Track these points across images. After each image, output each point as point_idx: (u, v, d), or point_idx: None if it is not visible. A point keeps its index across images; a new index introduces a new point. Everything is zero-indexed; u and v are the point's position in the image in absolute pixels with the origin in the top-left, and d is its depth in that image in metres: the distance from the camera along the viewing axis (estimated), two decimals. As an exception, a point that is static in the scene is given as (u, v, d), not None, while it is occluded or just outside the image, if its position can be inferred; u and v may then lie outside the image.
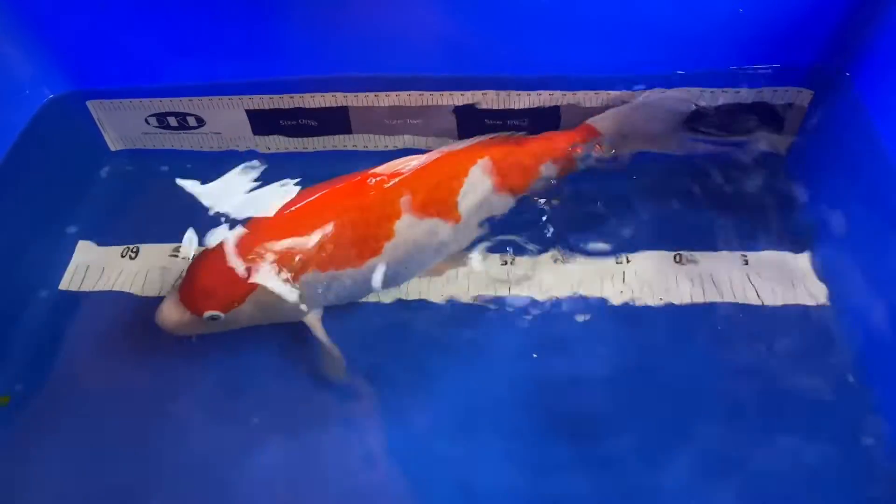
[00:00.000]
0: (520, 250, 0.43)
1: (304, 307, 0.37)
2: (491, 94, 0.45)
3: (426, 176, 0.39)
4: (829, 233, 0.41)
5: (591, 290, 0.40)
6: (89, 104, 0.48)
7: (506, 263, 0.42)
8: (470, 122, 0.47)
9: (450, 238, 0.40)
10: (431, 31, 0.42)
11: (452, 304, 0.41)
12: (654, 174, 0.46)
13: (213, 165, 0.48)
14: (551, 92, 0.44)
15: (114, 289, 0.43)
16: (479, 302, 0.40)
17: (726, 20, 0.41)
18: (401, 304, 0.41)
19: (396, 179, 0.38)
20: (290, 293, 0.36)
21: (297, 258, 0.36)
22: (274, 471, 0.35)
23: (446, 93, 0.45)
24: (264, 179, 0.46)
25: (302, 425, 0.37)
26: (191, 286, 0.36)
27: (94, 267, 0.44)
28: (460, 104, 0.46)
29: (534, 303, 0.40)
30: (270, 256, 0.36)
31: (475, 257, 0.42)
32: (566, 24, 0.41)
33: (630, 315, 0.39)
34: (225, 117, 0.48)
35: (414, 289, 0.41)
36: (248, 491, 0.35)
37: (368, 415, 0.37)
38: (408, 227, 0.37)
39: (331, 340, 0.37)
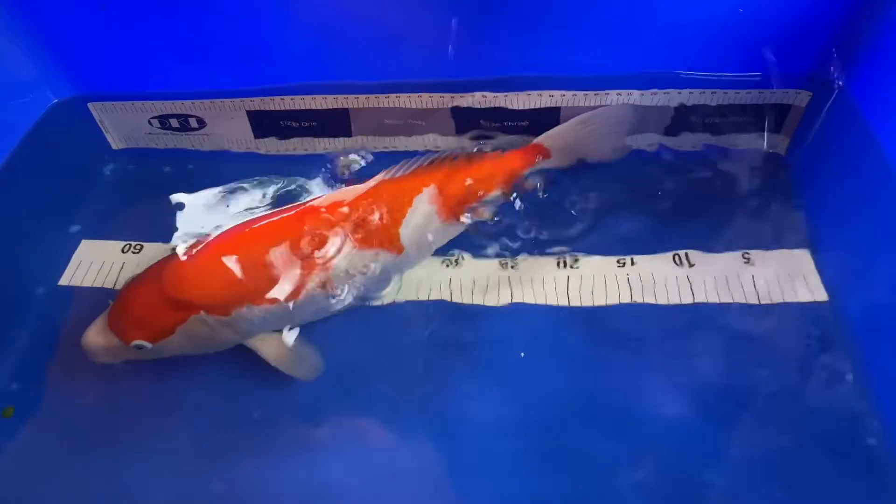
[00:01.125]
0: (520, 252, 0.43)
1: (237, 339, 0.37)
2: (490, 95, 0.45)
3: (367, 206, 0.38)
4: (828, 232, 0.41)
5: (593, 292, 0.40)
6: (92, 107, 0.48)
7: (505, 266, 0.42)
8: (469, 124, 0.47)
9: (392, 267, 0.39)
10: (431, 33, 0.42)
11: (449, 306, 0.40)
12: (653, 176, 0.46)
13: (214, 166, 0.49)
14: (551, 92, 0.44)
15: (116, 287, 0.43)
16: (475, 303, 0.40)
17: (725, 23, 0.41)
18: (394, 305, 0.41)
19: (333, 210, 0.38)
20: (222, 326, 0.35)
21: (231, 291, 0.35)
22: (278, 471, 0.35)
23: (446, 95, 0.45)
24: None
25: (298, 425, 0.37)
26: (120, 313, 0.35)
27: (95, 264, 0.44)
28: (460, 106, 0.46)
29: (534, 305, 0.40)
30: (204, 288, 0.35)
31: (471, 259, 0.42)
32: (565, 25, 0.41)
33: (631, 315, 0.39)
34: (226, 119, 0.48)
35: (420, 291, 0.41)
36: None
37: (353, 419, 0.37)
38: (347, 259, 0.37)
39: (289, 350, 0.37)
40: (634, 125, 0.45)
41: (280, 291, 0.36)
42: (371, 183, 0.40)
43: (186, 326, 0.35)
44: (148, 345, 0.35)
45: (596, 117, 0.44)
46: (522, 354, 0.38)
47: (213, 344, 0.37)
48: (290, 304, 0.36)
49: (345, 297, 0.38)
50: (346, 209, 0.38)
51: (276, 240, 0.36)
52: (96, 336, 0.35)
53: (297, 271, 0.36)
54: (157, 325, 0.35)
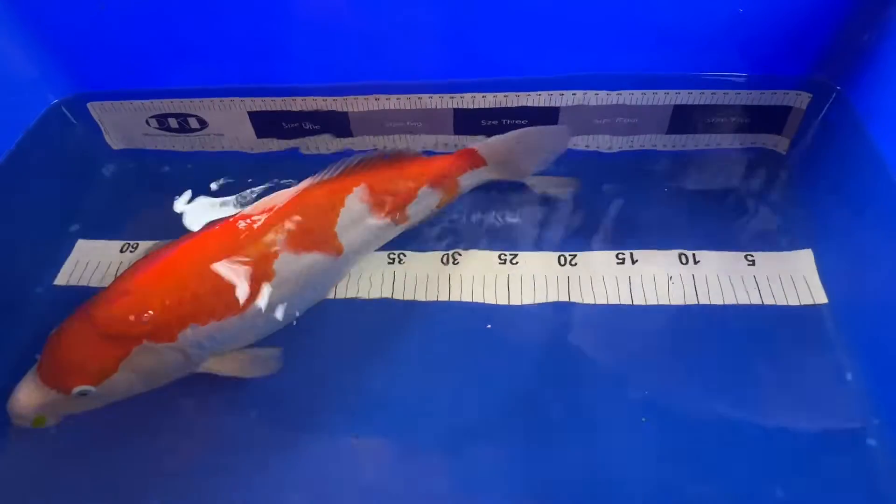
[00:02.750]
0: (520, 248, 0.43)
1: (189, 366, 0.35)
2: (489, 96, 0.45)
3: (300, 210, 0.37)
4: (828, 233, 0.41)
5: (594, 290, 0.40)
6: (91, 107, 0.48)
7: (505, 262, 0.42)
8: (468, 124, 0.47)
9: (335, 269, 0.39)
10: (431, 34, 0.43)
11: (449, 304, 0.40)
12: (654, 176, 0.46)
13: (214, 166, 0.49)
14: (550, 93, 0.45)
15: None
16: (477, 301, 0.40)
17: (725, 23, 0.41)
18: (389, 302, 0.41)
19: (266, 217, 0.36)
20: (169, 353, 0.34)
21: (171, 313, 0.33)
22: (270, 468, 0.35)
23: (446, 95, 0.45)
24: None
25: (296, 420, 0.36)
26: (53, 361, 0.33)
27: (92, 264, 0.44)
28: (459, 107, 0.46)
29: (534, 303, 0.40)
30: (142, 314, 0.33)
31: (473, 254, 0.42)
32: (565, 26, 0.42)
33: (632, 315, 0.39)
34: (227, 119, 0.48)
35: (417, 288, 0.41)
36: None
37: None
38: (287, 265, 0.36)
39: (243, 360, 0.36)
40: (564, 150, 0.44)
41: (224, 306, 0.34)
42: (301, 186, 0.39)
43: (130, 360, 0.33)
44: (92, 388, 0.32)
45: (534, 135, 0.43)
46: (534, 353, 0.38)
47: (163, 376, 0.35)
48: (238, 318, 0.35)
49: (292, 304, 0.37)
50: (279, 215, 0.37)
51: (212, 253, 0.35)
52: (29, 395, 0.32)
53: (239, 283, 0.35)
54: (97, 364, 0.32)
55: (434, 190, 0.41)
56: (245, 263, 0.35)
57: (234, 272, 0.35)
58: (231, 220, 0.37)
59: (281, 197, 0.38)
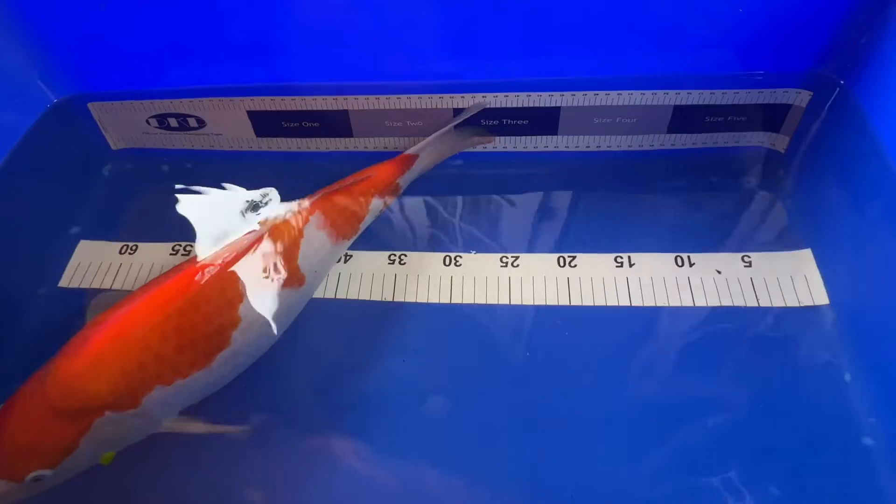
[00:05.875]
0: (521, 251, 0.43)
1: (153, 427, 0.33)
2: (490, 96, 0.45)
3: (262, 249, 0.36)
4: (828, 232, 0.41)
5: (591, 292, 0.40)
6: (91, 107, 0.48)
7: (507, 265, 0.42)
8: (469, 124, 0.47)
9: (298, 300, 0.39)
10: (432, 34, 0.42)
11: (451, 306, 0.41)
12: (652, 176, 0.46)
13: (213, 166, 0.49)
14: (551, 93, 0.45)
15: (113, 287, 0.43)
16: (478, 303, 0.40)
17: (725, 24, 0.41)
18: (390, 303, 0.41)
19: (229, 262, 0.35)
20: (133, 419, 0.32)
21: (134, 378, 0.31)
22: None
23: (447, 95, 0.45)
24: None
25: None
26: (1, 448, 0.29)
27: (94, 265, 0.44)
28: (460, 107, 0.46)
29: (533, 304, 0.40)
30: (102, 384, 0.30)
31: (475, 257, 0.42)
32: (565, 26, 0.41)
33: (630, 317, 0.39)
34: (226, 119, 0.48)
35: (419, 290, 0.41)
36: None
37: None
38: (252, 308, 0.35)
39: (209, 421, 0.35)
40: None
41: (189, 363, 0.32)
42: (260, 231, 0.37)
43: (92, 434, 0.30)
44: (48, 472, 0.29)
45: (456, 130, 0.46)
46: (528, 354, 0.38)
47: (128, 440, 0.33)
48: (205, 372, 0.33)
49: (259, 345, 0.36)
50: (241, 258, 0.35)
51: (173, 308, 0.32)
52: None
53: (203, 337, 0.33)
54: (54, 446, 0.29)
55: (382, 198, 0.43)
56: (209, 314, 0.33)
57: (199, 325, 0.33)
58: (191, 268, 0.34)
59: (237, 244, 0.36)
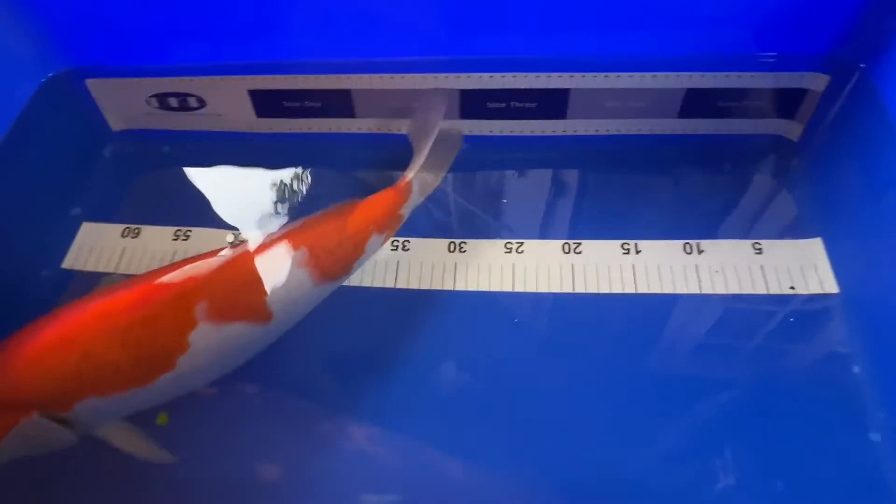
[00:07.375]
0: (526, 237, 0.42)
1: (84, 432, 0.32)
2: (497, 76, 0.44)
3: (227, 278, 0.34)
4: (841, 221, 0.40)
5: (599, 279, 0.40)
6: (90, 85, 0.47)
7: (511, 251, 0.42)
8: (474, 105, 0.46)
9: (261, 338, 0.35)
10: (436, 11, 0.41)
11: (454, 293, 0.40)
12: (663, 162, 0.46)
13: (214, 147, 0.48)
14: (560, 74, 0.43)
15: (117, 270, 0.43)
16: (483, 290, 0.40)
17: (741, 1, 0.39)
18: (393, 290, 0.40)
19: (189, 282, 0.33)
20: (61, 425, 0.30)
21: (69, 384, 0.30)
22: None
23: (451, 75, 0.44)
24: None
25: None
26: None
27: (96, 248, 0.44)
28: (466, 87, 0.45)
29: (538, 292, 0.40)
30: (35, 384, 0.30)
31: (479, 243, 0.42)
32: (575, 4, 0.40)
33: (638, 305, 0.39)
34: (227, 98, 0.47)
35: (423, 277, 0.41)
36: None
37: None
38: (205, 337, 0.32)
39: (140, 438, 0.33)
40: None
41: (128, 380, 0.31)
42: (236, 251, 0.35)
43: (16, 432, 0.29)
44: None
45: (440, 137, 0.42)
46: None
47: (54, 445, 0.32)
48: (143, 391, 0.32)
49: (207, 373, 0.34)
50: (204, 280, 0.33)
51: (122, 321, 0.31)
52: None
53: (148, 356, 0.31)
54: None
55: (381, 234, 0.39)
56: (157, 334, 0.31)
57: (144, 343, 0.31)
58: (150, 283, 0.33)
59: (207, 261, 0.34)
